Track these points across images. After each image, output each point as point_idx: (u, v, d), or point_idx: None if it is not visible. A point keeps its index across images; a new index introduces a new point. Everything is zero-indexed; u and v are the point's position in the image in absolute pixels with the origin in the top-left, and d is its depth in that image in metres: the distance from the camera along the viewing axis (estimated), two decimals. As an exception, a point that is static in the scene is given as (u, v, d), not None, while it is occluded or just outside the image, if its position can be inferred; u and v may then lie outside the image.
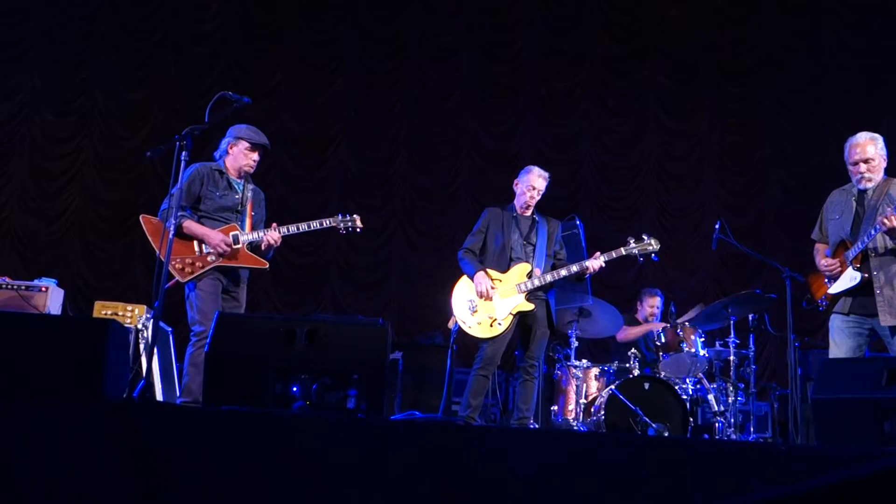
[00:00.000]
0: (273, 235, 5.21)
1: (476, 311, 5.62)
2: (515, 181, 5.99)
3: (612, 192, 10.10)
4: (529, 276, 5.67)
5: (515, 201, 5.95)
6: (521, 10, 10.39)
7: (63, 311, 6.38)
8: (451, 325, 5.78)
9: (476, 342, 5.70)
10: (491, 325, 5.58)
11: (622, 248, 5.82)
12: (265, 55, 10.09)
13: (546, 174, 5.96)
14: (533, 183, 5.88)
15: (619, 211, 10.01)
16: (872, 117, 8.79)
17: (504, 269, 5.71)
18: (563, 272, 5.68)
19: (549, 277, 5.67)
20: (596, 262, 5.68)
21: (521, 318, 5.66)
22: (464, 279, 5.78)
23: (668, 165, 10.17)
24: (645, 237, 5.86)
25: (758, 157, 10.15)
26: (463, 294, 5.72)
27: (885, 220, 4.51)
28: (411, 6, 10.29)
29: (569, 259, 5.89)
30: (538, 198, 5.92)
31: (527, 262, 5.74)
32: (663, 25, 10.33)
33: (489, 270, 5.68)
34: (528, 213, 5.92)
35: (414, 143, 10.09)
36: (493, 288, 5.60)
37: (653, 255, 5.86)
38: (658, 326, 7.09)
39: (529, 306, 5.62)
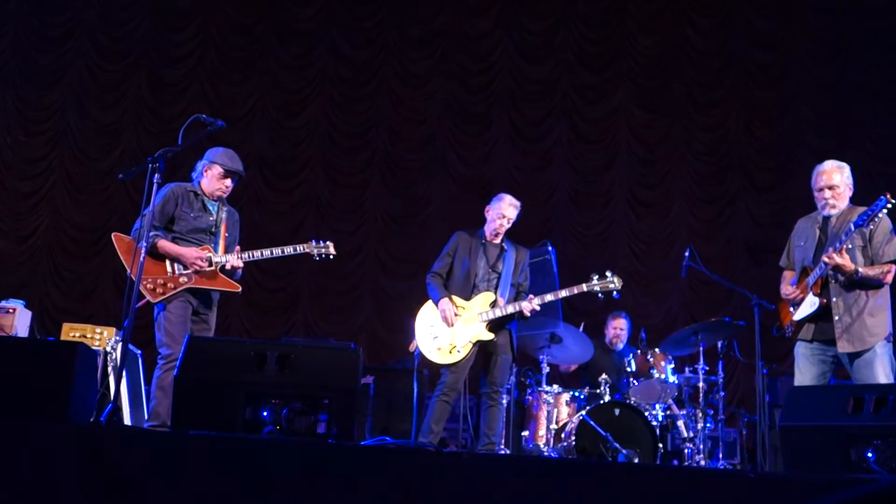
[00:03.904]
0: (234, 261, 5.17)
1: (437, 337, 5.61)
2: (487, 207, 5.94)
3: (583, 218, 10.17)
4: (493, 305, 5.66)
5: (486, 227, 5.90)
6: (495, 39, 10.49)
7: (31, 333, 6.31)
8: (412, 348, 5.78)
9: (436, 368, 5.70)
10: (450, 352, 5.57)
11: (583, 285, 5.75)
12: (240, 79, 10.09)
13: (517, 203, 5.90)
14: (504, 211, 5.83)
15: (590, 237, 10.09)
16: (839, 148, 8.95)
17: (467, 295, 5.69)
18: (499, 312, 5.61)
19: (510, 309, 5.64)
20: (529, 305, 5.63)
21: (482, 345, 5.64)
22: (429, 303, 5.76)
23: (638, 193, 10.27)
24: (608, 275, 5.77)
25: (727, 186, 10.28)
26: (426, 319, 5.70)
27: (826, 259, 4.59)
28: (386, 33, 10.36)
29: (542, 284, 5.91)
30: (508, 226, 5.86)
31: (491, 290, 5.72)
32: (635, 56, 10.49)
33: (454, 297, 5.67)
34: (498, 240, 5.87)
35: (387, 169, 10.11)
36: (456, 315, 5.59)
37: (614, 293, 5.76)
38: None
39: (490, 336, 5.60)
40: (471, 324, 5.60)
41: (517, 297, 5.78)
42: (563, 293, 5.73)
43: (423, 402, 6.22)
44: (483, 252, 5.82)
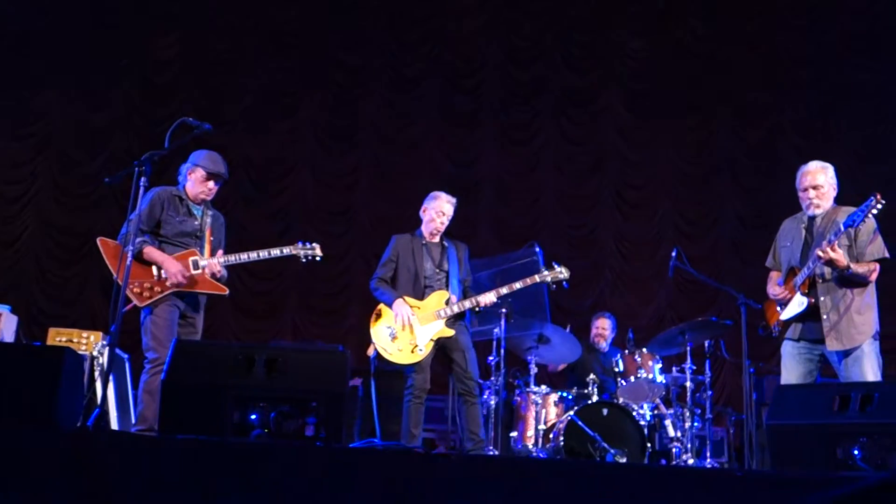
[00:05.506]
0: (213, 267, 5.15)
1: (396, 338, 5.61)
2: (423, 207, 5.98)
3: (570, 220, 10.20)
4: (447, 303, 5.69)
5: (423, 228, 5.93)
6: (484, 41, 10.50)
7: (16, 338, 6.28)
8: (370, 352, 5.77)
9: (401, 369, 5.71)
10: (412, 352, 5.58)
11: (536, 276, 5.88)
12: (227, 82, 10.07)
13: (454, 199, 5.98)
14: (442, 209, 5.89)
15: (577, 238, 10.12)
16: (824, 149, 9.00)
17: (419, 296, 5.72)
18: (456, 308, 5.67)
19: (467, 304, 5.70)
20: (485, 298, 5.69)
21: (441, 345, 5.66)
22: (381, 307, 5.76)
23: (625, 194, 10.31)
24: (555, 265, 5.92)
25: (713, 187, 10.33)
26: (382, 322, 5.71)
27: (820, 253, 4.62)
28: (375, 35, 10.36)
29: (530, 286, 5.92)
30: (447, 223, 5.93)
31: (443, 289, 5.76)
32: (623, 58, 10.52)
33: (407, 298, 5.68)
34: (436, 239, 5.92)
35: (375, 171, 10.11)
36: (412, 315, 5.61)
37: (563, 282, 5.93)
38: None
39: (450, 332, 5.63)
40: (429, 322, 5.63)
41: (464, 292, 5.84)
42: (518, 285, 5.78)
43: (381, 405, 6.23)
44: (427, 252, 5.85)
